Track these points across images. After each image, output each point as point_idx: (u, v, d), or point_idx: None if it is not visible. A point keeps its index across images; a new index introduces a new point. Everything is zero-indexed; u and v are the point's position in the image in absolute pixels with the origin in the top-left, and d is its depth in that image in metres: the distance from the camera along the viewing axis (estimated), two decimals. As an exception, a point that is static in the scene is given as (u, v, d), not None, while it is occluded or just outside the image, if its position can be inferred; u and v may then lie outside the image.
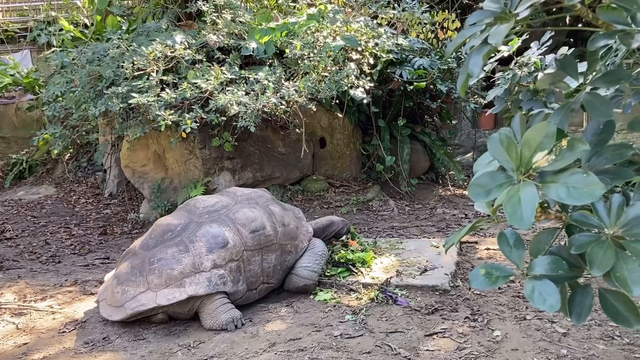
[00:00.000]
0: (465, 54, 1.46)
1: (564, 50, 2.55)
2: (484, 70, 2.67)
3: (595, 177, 1.18)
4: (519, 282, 4.77)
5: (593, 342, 3.67)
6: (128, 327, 4.27)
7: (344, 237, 5.57)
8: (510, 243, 1.43)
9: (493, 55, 2.85)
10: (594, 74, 1.57)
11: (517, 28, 1.34)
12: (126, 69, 6.43)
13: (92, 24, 9.73)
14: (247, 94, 6.35)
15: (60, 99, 7.82)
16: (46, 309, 4.71)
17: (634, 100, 1.67)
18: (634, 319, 1.35)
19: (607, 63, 1.72)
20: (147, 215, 7.83)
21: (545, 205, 1.41)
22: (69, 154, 10.32)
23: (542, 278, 1.34)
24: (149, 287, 4.17)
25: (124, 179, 8.62)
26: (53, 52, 9.19)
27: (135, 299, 4.15)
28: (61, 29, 9.88)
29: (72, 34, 9.88)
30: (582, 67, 1.68)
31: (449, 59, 8.66)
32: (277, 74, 6.64)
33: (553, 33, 2.84)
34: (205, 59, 6.77)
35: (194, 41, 6.98)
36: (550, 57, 2.80)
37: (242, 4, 7.56)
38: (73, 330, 4.29)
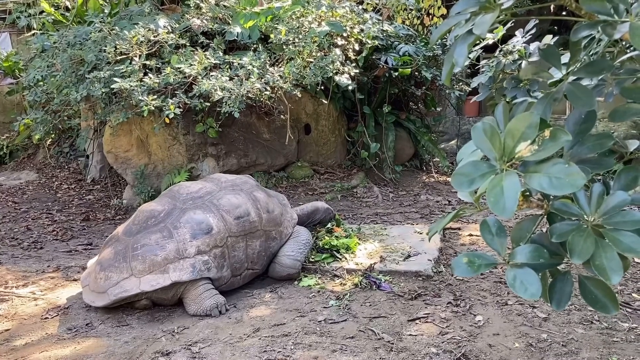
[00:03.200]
0: (450, 42, 1.46)
1: (547, 38, 2.56)
2: (469, 58, 2.68)
3: (577, 168, 1.20)
4: (501, 268, 4.83)
5: (572, 327, 3.73)
6: (111, 313, 4.26)
7: (329, 225, 5.59)
8: (492, 231, 1.45)
9: (478, 42, 2.86)
10: (577, 64, 1.59)
11: (502, 17, 1.35)
12: (108, 53, 6.35)
13: (73, 7, 9.55)
14: (231, 79, 6.31)
15: (41, 83, 7.70)
16: (28, 295, 4.67)
17: (616, 90, 1.69)
18: (611, 305, 1.38)
19: (591, 53, 1.73)
20: (130, 201, 7.78)
21: (527, 193, 1.43)
22: (50, 139, 10.18)
23: (524, 266, 1.36)
24: (132, 273, 4.15)
25: (107, 164, 8.54)
26: (33, 35, 9.02)
27: (119, 284, 4.14)
28: (42, 12, 9.68)
29: (53, 17, 9.69)
30: (565, 58, 1.70)
31: (434, 46, 8.67)
32: (262, 60, 6.59)
33: (537, 21, 2.85)
34: (188, 44, 6.70)
35: (177, 25, 6.90)
36: (534, 45, 2.81)
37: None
38: (56, 316, 4.26)
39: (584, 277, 1.43)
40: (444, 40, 8.52)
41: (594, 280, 1.40)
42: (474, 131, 1.34)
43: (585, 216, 1.37)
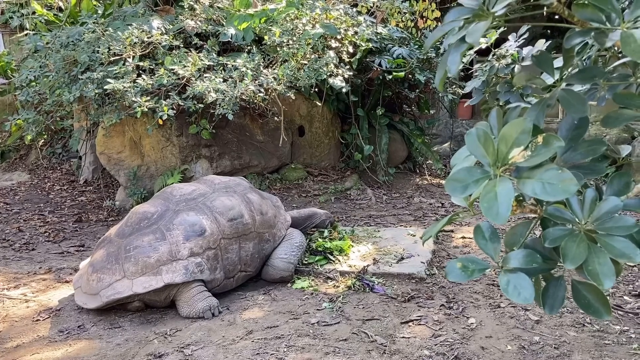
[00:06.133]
0: (445, 48, 1.47)
1: (540, 43, 2.58)
2: (462, 62, 2.70)
3: (570, 174, 1.21)
4: (494, 270, 4.85)
5: (565, 329, 3.75)
6: (104, 315, 4.24)
7: (326, 231, 5.56)
8: (486, 236, 1.46)
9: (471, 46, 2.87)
10: (569, 69, 1.60)
11: (495, 23, 1.36)
12: (102, 54, 6.33)
13: (66, 8, 9.51)
14: (225, 81, 6.30)
15: (33, 83, 7.66)
16: (20, 297, 4.65)
17: (608, 94, 1.70)
18: (604, 310, 1.39)
19: (584, 58, 1.74)
20: (123, 202, 7.75)
21: (521, 198, 1.44)
22: (43, 140, 10.13)
23: (517, 271, 1.37)
24: (125, 274, 4.14)
25: (100, 165, 8.50)
26: (26, 35, 8.98)
27: (111, 286, 4.13)
28: (34, 12, 9.65)
29: (45, 18, 9.66)
30: (558, 62, 1.71)
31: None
32: (256, 61, 6.59)
33: (530, 26, 2.87)
34: (182, 45, 6.69)
35: (171, 27, 6.89)
36: (527, 49, 2.83)
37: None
38: (47, 318, 4.24)
39: (577, 282, 1.44)
40: (438, 43, 8.55)
41: (587, 285, 1.41)
42: (468, 137, 1.35)
43: (578, 221, 1.39)
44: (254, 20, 6.80)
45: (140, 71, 6.41)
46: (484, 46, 3.13)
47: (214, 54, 6.72)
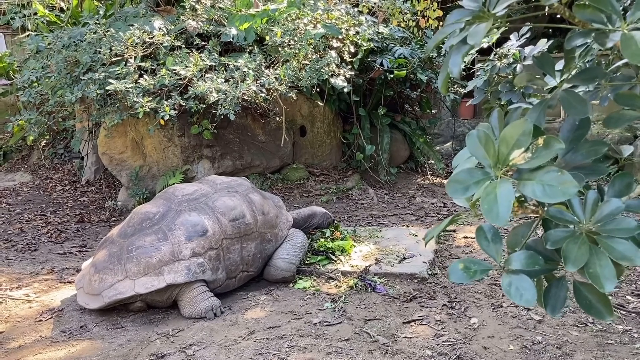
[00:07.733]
0: (446, 49, 1.47)
1: (542, 42, 2.58)
2: (464, 62, 2.70)
3: (570, 176, 1.21)
4: (497, 270, 4.84)
5: (567, 329, 3.75)
6: (106, 315, 4.25)
7: (327, 231, 5.55)
8: (488, 238, 1.46)
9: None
10: (572, 70, 1.60)
11: (497, 24, 1.36)
12: (103, 54, 6.34)
13: (68, 8, 9.53)
14: (226, 81, 6.31)
15: (35, 84, 7.67)
16: (22, 297, 4.66)
17: (611, 95, 1.70)
18: (606, 311, 1.39)
19: (586, 60, 1.74)
20: (125, 203, 7.76)
21: (522, 199, 1.43)
22: (45, 141, 10.14)
23: (519, 273, 1.37)
24: (127, 275, 4.14)
25: (102, 166, 8.52)
26: (28, 36, 8.99)
27: (113, 287, 4.13)
28: (36, 13, 9.66)
29: (47, 18, 9.68)
30: (561, 64, 1.71)
31: (429, 48, 8.68)
32: (257, 61, 6.59)
33: (531, 25, 2.87)
34: (184, 45, 6.69)
35: (172, 27, 6.89)
36: (528, 49, 2.83)
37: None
38: (50, 318, 4.25)
39: (579, 283, 1.44)
40: (440, 44, 8.53)
41: (589, 286, 1.41)
42: (469, 138, 1.35)
43: (579, 223, 1.38)
44: (256, 21, 6.80)
45: (142, 72, 6.42)
46: (485, 45, 3.13)
47: (215, 54, 6.73)
